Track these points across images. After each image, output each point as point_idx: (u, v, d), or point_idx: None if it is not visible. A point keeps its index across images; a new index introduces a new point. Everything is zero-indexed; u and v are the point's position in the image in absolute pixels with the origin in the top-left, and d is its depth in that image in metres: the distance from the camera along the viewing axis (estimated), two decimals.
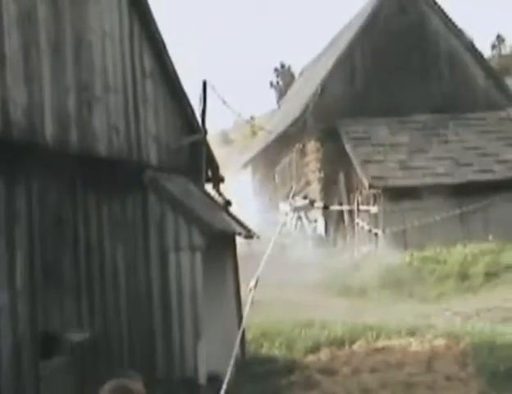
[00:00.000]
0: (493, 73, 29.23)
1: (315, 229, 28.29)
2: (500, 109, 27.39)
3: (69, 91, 8.81)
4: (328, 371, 11.42)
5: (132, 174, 10.06)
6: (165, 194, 10.19)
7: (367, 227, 24.48)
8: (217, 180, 13.08)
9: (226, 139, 55.16)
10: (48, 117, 8.29)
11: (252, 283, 5.84)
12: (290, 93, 39.64)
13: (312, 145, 28.14)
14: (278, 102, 51.20)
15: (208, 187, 12.89)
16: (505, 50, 54.09)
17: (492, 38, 62.40)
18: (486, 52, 42.72)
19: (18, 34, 7.90)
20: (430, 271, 20.24)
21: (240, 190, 28.11)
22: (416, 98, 26.79)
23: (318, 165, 27.70)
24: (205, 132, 12.12)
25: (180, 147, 11.62)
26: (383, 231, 23.42)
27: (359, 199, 25.24)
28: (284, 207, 29.77)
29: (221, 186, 13.24)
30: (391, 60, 27.22)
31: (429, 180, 23.83)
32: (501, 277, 19.12)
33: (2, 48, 7.65)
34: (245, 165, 36.35)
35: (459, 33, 28.63)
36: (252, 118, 49.82)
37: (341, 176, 26.53)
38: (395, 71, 27.00)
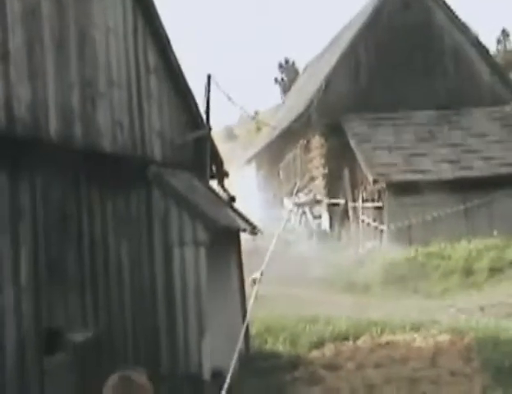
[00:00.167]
0: (498, 68, 29.17)
1: (319, 225, 28.28)
2: (506, 104, 27.32)
3: (73, 87, 8.81)
4: (332, 366, 11.42)
5: (136, 170, 10.06)
6: (169, 189, 10.20)
7: (371, 223, 24.47)
8: (222, 175, 13.07)
9: (230, 135, 55.11)
10: (52, 113, 8.30)
11: (255, 275, 5.85)
12: (294, 88, 39.60)
13: (316, 141, 28.12)
14: (282, 97, 51.16)
15: (213, 183, 12.89)
16: (511, 45, 53.90)
17: (497, 33, 62.19)
18: (492, 48, 42.62)
19: (22, 31, 7.90)
20: (434, 266, 20.23)
21: (245, 186, 28.12)
22: (420, 93, 26.74)
23: (323, 161, 27.68)
24: (209, 127, 12.12)
25: (185, 142, 11.61)
26: (388, 227, 23.40)
27: (364, 194, 25.22)
28: (288, 203, 29.79)
29: (226, 182, 13.24)
30: (395, 55, 27.16)
31: (434, 176, 23.79)
32: (506, 273, 19.09)
33: (6, 44, 7.66)
34: (249, 161, 36.33)
35: (463, 28, 28.55)
36: (256, 114, 49.78)
37: (346, 172, 26.51)
38: (400, 67, 26.95)
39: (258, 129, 43.17)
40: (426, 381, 10.49)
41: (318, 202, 28.08)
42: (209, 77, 12.38)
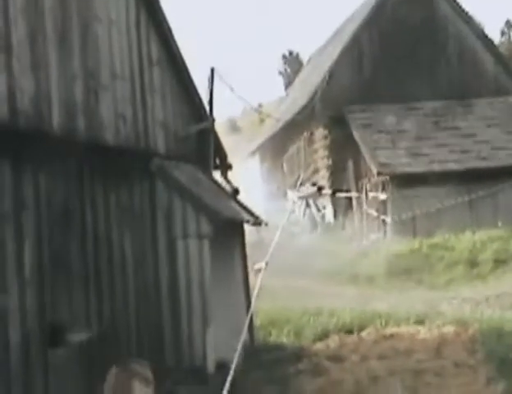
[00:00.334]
0: (502, 59, 29.09)
1: (323, 216, 28.28)
2: (510, 95, 27.25)
3: (76, 79, 8.79)
4: (337, 358, 11.43)
5: (140, 162, 10.06)
6: (172, 182, 10.19)
7: (375, 214, 24.45)
8: (225, 167, 13.06)
9: (233, 127, 55.07)
10: (54, 106, 8.28)
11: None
12: (297, 80, 39.54)
13: (320, 133, 28.10)
14: (286, 89, 51.07)
15: (216, 175, 12.88)
16: None
17: (501, 24, 62.01)
18: (496, 38, 42.50)
19: (24, 23, 7.88)
20: (439, 258, 20.23)
21: (248, 178, 28.12)
22: (424, 84, 26.69)
23: (326, 152, 27.67)
24: (213, 119, 12.10)
25: (188, 135, 11.60)
26: (392, 218, 23.39)
27: (368, 186, 25.20)
28: (292, 194, 29.79)
29: (229, 174, 13.23)
30: (399, 46, 27.10)
31: (438, 167, 23.77)
32: (510, 264, 19.09)
33: (8, 36, 7.63)
34: (253, 153, 36.33)
35: (468, 19, 28.47)
36: (260, 106, 49.72)
37: (350, 164, 26.49)
38: (403, 58, 26.90)
39: (262, 121, 43.13)
40: (430, 372, 10.49)
41: (320, 189, 28.02)
42: (212, 70, 12.36)
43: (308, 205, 29.09)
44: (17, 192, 7.75)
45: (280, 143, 32.22)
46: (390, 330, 12.73)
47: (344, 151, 26.36)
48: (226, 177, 13.08)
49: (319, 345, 12.35)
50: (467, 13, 28.51)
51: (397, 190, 23.44)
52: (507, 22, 52.76)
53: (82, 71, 8.94)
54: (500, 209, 23.08)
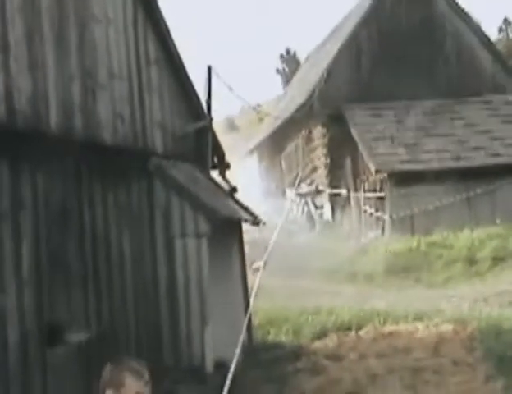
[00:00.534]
0: (500, 57, 29.09)
1: (322, 215, 28.28)
2: (508, 93, 27.27)
3: (73, 79, 8.79)
4: (335, 357, 11.44)
5: (137, 161, 10.05)
6: (170, 181, 10.19)
7: (373, 213, 24.46)
8: (223, 166, 13.06)
9: (231, 126, 55.04)
10: (52, 105, 8.27)
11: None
12: (295, 79, 39.53)
13: (318, 131, 28.09)
14: (284, 88, 51.06)
15: (214, 174, 12.88)
16: None
17: (499, 22, 62.00)
18: (493, 36, 42.48)
19: (21, 23, 7.87)
20: (437, 256, 20.23)
21: (246, 177, 28.11)
22: (422, 82, 26.67)
23: (324, 151, 27.66)
24: (211, 118, 12.10)
25: (186, 134, 11.59)
26: (390, 217, 23.39)
27: (366, 184, 25.21)
28: (290, 193, 29.79)
29: (227, 173, 13.23)
30: (397, 44, 27.10)
31: (436, 165, 23.76)
32: (508, 262, 19.08)
33: (5, 36, 7.62)
34: (251, 151, 36.31)
35: (465, 16, 28.47)
36: (258, 105, 49.69)
37: (348, 162, 26.49)
38: (401, 56, 26.89)
39: (260, 120, 43.12)
40: (429, 370, 10.51)
41: (320, 192, 28.07)
42: (210, 68, 12.36)
43: (306, 203, 29.10)
44: (15, 192, 7.75)
45: (278, 141, 32.22)
46: (388, 328, 12.73)
47: (342, 149, 26.37)
48: (224, 176, 13.08)
49: (318, 344, 12.36)
50: (465, 11, 28.53)
51: (395, 187, 23.44)
52: (505, 20, 52.75)
53: (79, 71, 8.93)
54: (498, 207, 23.09)
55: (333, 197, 27.33)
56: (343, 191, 26.66)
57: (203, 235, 10.03)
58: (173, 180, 10.23)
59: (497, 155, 24.15)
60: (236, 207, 12.03)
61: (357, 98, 26.46)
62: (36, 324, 7.86)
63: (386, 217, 23.61)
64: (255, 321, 12.87)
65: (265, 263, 5.97)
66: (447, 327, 12.34)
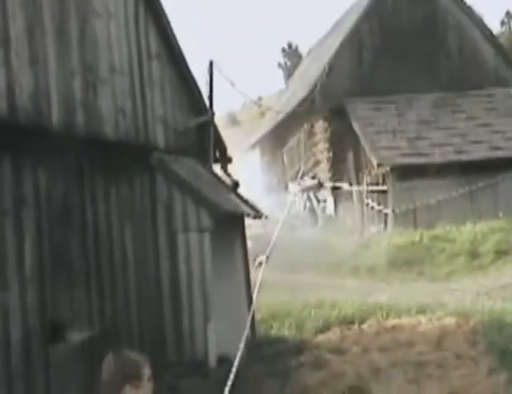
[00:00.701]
0: (503, 50, 29.00)
1: (324, 209, 28.26)
2: (510, 86, 27.20)
3: (74, 74, 8.77)
4: (338, 350, 11.43)
5: (139, 156, 10.04)
6: (172, 176, 10.18)
7: (376, 207, 24.44)
8: (225, 161, 13.05)
9: (233, 121, 54.95)
10: (53, 101, 8.26)
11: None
12: (297, 73, 39.46)
13: (320, 125, 28.05)
14: (286, 82, 50.98)
15: (216, 168, 12.86)
16: None
17: (501, 15, 61.84)
18: (496, 29, 42.35)
19: (22, 17, 7.85)
20: (440, 249, 20.21)
21: (249, 171, 28.09)
22: (424, 76, 26.61)
23: (327, 145, 27.62)
24: (212, 113, 12.08)
25: (188, 128, 11.58)
26: (392, 211, 23.37)
27: (368, 178, 25.18)
28: (293, 187, 29.78)
29: (229, 167, 13.21)
30: (399, 38, 27.03)
31: (438, 159, 23.72)
32: (511, 255, 19.06)
33: (6, 30, 7.61)
34: (253, 146, 36.28)
35: (467, 10, 28.39)
36: (260, 99, 49.61)
37: (350, 156, 26.46)
38: (403, 49, 26.83)
39: (262, 114, 43.07)
40: (432, 364, 10.50)
41: (322, 186, 28.04)
42: (211, 63, 12.33)
43: (308, 198, 29.08)
44: (17, 188, 7.74)
45: (280, 136, 32.18)
46: (391, 322, 12.72)
47: (344, 143, 26.33)
48: (226, 171, 13.07)
49: (321, 338, 12.35)
50: (467, 4, 28.45)
51: (397, 181, 23.41)
52: (507, 13, 52.60)
53: (81, 66, 8.92)
54: (500, 200, 23.06)
55: (335, 191, 27.31)
56: (345, 185, 26.64)
57: (205, 230, 10.02)
58: (175, 174, 10.22)
59: (499, 148, 24.10)
60: (239, 201, 12.02)
61: (359, 91, 26.41)
62: (39, 322, 7.85)
63: (389, 210, 23.58)
64: (258, 315, 12.86)
65: (268, 257, 5.97)
66: (450, 321, 12.33)
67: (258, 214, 12.49)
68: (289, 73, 53.53)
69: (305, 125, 29.48)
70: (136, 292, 9.74)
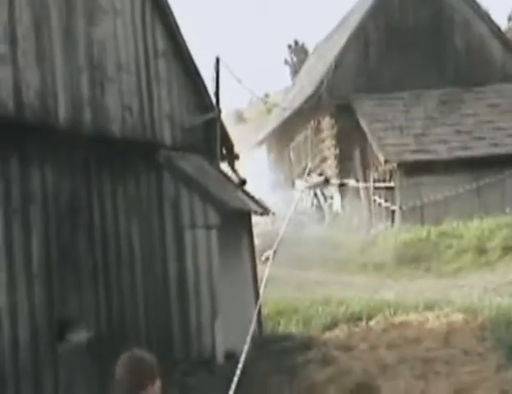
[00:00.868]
0: (510, 45, 28.89)
1: (331, 206, 28.24)
2: None
3: (81, 72, 8.79)
4: (345, 347, 11.42)
5: (146, 153, 10.05)
6: (179, 173, 10.18)
7: (383, 203, 24.41)
8: (232, 158, 13.04)
9: (240, 118, 54.92)
10: (60, 99, 8.28)
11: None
12: (303, 69, 39.43)
13: (326, 122, 28.02)
14: (292, 79, 50.94)
15: (223, 165, 12.86)
16: None
17: (508, 10, 61.65)
18: (503, 25, 42.18)
19: (29, 15, 7.87)
20: (447, 246, 20.17)
21: (255, 168, 28.09)
22: (431, 72, 26.56)
23: (333, 141, 27.59)
24: (219, 110, 12.07)
25: (194, 125, 11.58)
26: (400, 207, 23.34)
27: (375, 174, 25.14)
28: (300, 184, 29.76)
29: (236, 164, 13.21)
30: (406, 34, 26.97)
31: (445, 155, 23.68)
32: None
33: (13, 29, 7.63)
34: (260, 143, 36.27)
35: (474, 5, 28.29)
36: (266, 96, 49.61)
37: (357, 152, 26.43)
38: (410, 46, 26.77)
39: (268, 111, 43.05)
40: (439, 360, 10.48)
41: (328, 182, 28.02)
42: (218, 60, 12.33)
43: (315, 195, 29.06)
44: (24, 186, 7.76)
45: (287, 132, 32.17)
46: (399, 318, 12.71)
47: (351, 140, 26.29)
48: (233, 167, 13.06)
49: (328, 335, 12.34)
50: (474, 0, 28.33)
51: (405, 178, 23.37)
52: None
53: (87, 64, 8.93)
54: (507, 196, 23.00)
55: (342, 188, 27.28)
56: (352, 182, 26.60)
57: (212, 227, 10.03)
58: (182, 171, 10.22)
59: (506, 144, 24.03)
60: (246, 198, 12.02)
61: (365, 88, 26.38)
62: (46, 319, 7.87)
63: (396, 207, 23.55)
64: (265, 312, 12.87)
65: (275, 252, 5.97)
66: (458, 317, 12.31)
67: (264, 211, 12.49)
68: (295, 70, 53.48)
69: (312, 122, 29.46)
70: (143, 289, 9.76)
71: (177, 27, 11.04)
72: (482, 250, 19.48)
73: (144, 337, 9.63)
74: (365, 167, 25.97)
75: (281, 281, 15.84)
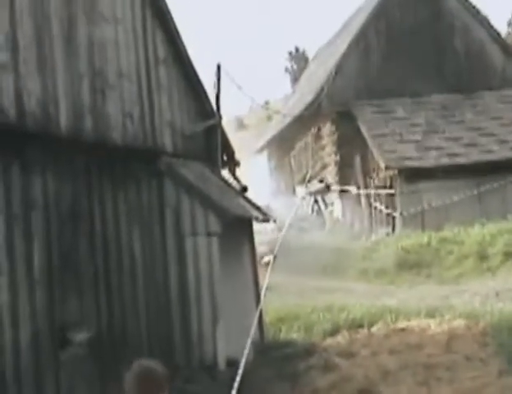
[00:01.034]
0: (510, 50, 28.93)
1: (332, 212, 28.25)
2: None
3: (82, 79, 8.81)
4: (347, 354, 11.41)
5: (147, 161, 10.06)
6: (180, 180, 10.19)
7: (384, 210, 24.41)
8: (233, 164, 13.06)
9: (240, 125, 55.03)
10: (62, 106, 8.30)
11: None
12: (304, 76, 39.48)
13: (327, 128, 28.04)
14: (293, 86, 51.01)
15: (224, 172, 12.88)
16: None
17: (508, 15, 61.82)
18: (503, 30, 42.29)
19: (30, 23, 7.89)
20: (448, 251, 20.16)
21: (256, 175, 28.12)
22: (431, 78, 26.60)
23: (334, 148, 27.60)
24: (220, 117, 12.10)
25: (195, 132, 11.60)
26: (400, 213, 23.34)
27: (376, 181, 25.15)
28: (300, 191, 29.78)
29: (237, 171, 13.23)
30: (406, 40, 27.01)
31: (446, 161, 23.68)
32: None
33: (15, 36, 7.65)
34: (261, 150, 36.30)
35: (474, 11, 28.34)
36: (267, 103, 49.67)
37: (357, 159, 26.44)
38: (410, 52, 26.80)
39: (269, 118, 43.10)
40: (441, 366, 10.47)
41: (329, 189, 28.03)
42: (219, 67, 12.36)
43: (316, 201, 29.07)
44: (26, 193, 7.78)
45: (287, 139, 32.19)
46: (400, 325, 12.70)
47: (351, 146, 26.30)
48: (234, 174, 13.08)
49: (329, 341, 12.34)
50: (473, 5, 28.38)
51: (405, 184, 23.38)
52: None
53: (88, 71, 8.95)
54: (509, 202, 22.99)
55: (343, 194, 27.28)
56: (352, 188, 26.61)
57: (213, 234, 10.03)
58: (183, 178, 10.23)
59: (508, 150, 24.02)
60: (247, 205, 12.03)
61: (366, 94, 26.40)
62: (47, 324, 7.88)
63: (397, 213, 23.55)
64: (266, 319, 12.86)
65: (275, 257, 5.98)
66: (459, 323, 12.30)
67: (265, 218, 12.49)
68: (295, 77, 53.59)
69: (312, 129, 29.48)
70: (144, 295, 9.76)
71: (178, 34, 11.07)
72: (483, 256, 19.45)
73: (145, 343, 9.63)
74: (366, 173, 25.98)
75: (282, 287, 15.84)
